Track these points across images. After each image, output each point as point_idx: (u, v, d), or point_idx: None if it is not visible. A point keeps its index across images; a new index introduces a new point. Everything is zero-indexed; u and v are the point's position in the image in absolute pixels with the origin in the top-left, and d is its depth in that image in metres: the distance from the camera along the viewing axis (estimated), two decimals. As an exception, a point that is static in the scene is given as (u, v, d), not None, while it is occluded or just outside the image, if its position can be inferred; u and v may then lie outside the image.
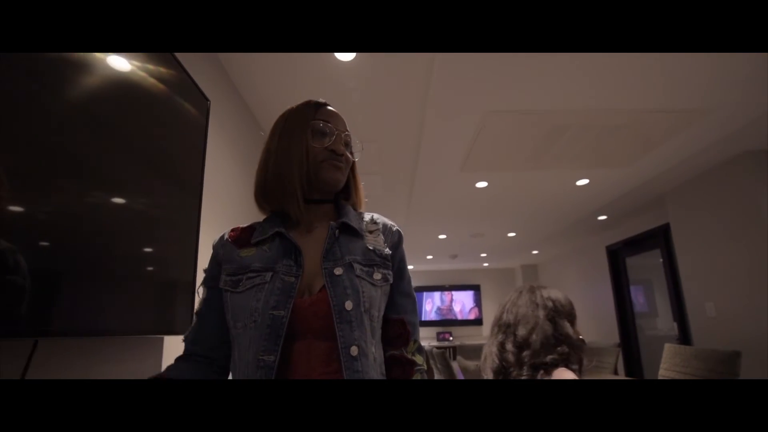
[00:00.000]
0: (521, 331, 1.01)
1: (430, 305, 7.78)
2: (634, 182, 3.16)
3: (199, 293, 0.71)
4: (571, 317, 1.02)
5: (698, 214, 3.03)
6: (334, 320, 0.59)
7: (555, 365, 0.94)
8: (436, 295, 7.83)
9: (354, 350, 0.59)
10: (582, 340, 0.99)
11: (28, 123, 0.69)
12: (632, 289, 4.63)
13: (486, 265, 7.63)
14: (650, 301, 4.30)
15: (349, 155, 0.72)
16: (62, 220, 0.76)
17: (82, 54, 0.80)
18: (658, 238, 3.96)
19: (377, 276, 0.66)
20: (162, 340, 1.23)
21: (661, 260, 3.95)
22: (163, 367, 1.21)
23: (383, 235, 0.73)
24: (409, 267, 0.74)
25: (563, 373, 0.95)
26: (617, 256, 4.86)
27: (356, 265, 0.65)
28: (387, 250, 0.70)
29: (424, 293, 7.73)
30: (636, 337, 4.50)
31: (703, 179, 2.97)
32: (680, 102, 2.01)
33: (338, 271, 0.63)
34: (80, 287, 0.80)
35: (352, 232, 0.69)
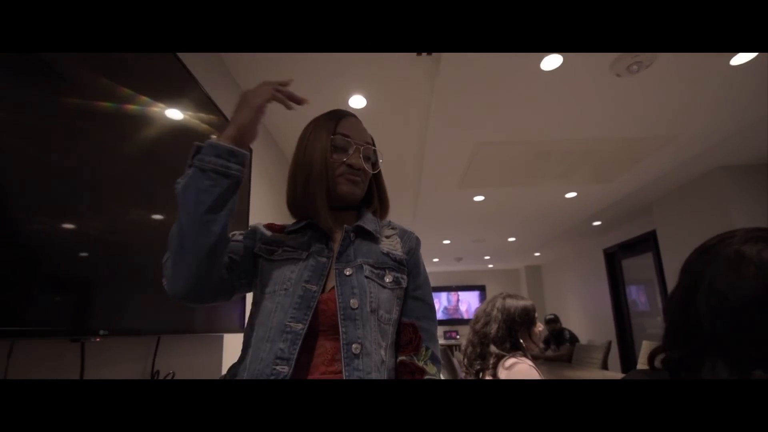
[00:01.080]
0: (469, 333, 1.35)
1: (438, 305, 8.08)
2: (619, 194, 3.46)
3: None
4: (514, 323, 1.26)
5: (680, 222, 3.30)
6: (338, 318, 0.60)
7: (497, 360, 1.23)
8: (443, 295, 8.13)
9: (356, 348, 0.58)
10: (496, 343, 1.25)
11: (112, 167, 0.88)
12: (635, 289, 4.82)
13: (491, 266, 7.89)
14: (652, 300, 4.48)
15: (368, 168, 0.72)
16: (144, 240, 1.02)
17: (155, 114, 1.15)
18: (650, 242, 4.21)
19: (388, 278, 0.66)
20: (222, 337, 1.58)
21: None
22: (224, 360, 1.56)
23: (401, 239, 0.74)
24: (417, 269, 0.77)
25: (523, 362, 1.22)
26: (613, 259, 5.11)
27: (366, 267, 0.65)
28: (402, 254, 0.70)
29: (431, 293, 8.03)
30: (631, 335, 4.72)
31: (683, 191, 3.24)
32: (652, 129, 2.31)
33: (348, 271, 0.64)
34: (159, 296, 1.13)
35: (368, 236, 0.70)
